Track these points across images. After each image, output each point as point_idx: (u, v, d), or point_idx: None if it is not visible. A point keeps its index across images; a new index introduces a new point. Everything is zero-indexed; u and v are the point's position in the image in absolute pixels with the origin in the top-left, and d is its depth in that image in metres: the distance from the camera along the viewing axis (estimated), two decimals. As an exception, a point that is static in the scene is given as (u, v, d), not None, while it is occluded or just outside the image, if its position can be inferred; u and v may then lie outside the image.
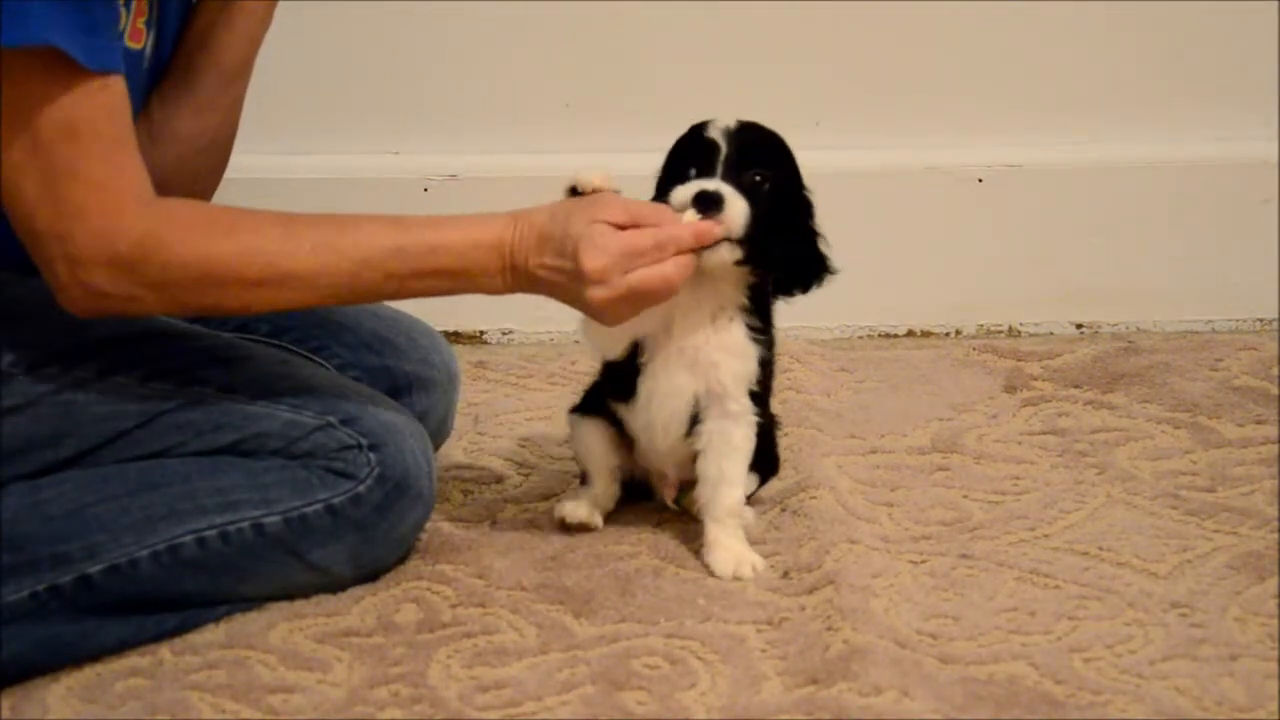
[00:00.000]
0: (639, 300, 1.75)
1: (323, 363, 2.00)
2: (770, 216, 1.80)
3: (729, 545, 1.87)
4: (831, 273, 1.86)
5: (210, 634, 1.76)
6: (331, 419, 1.80)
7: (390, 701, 1.64)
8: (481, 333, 2.63)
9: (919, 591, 1.83)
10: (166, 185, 1.95)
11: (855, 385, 2.43)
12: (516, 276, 1.77)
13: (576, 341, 2.60)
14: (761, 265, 1.81)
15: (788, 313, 2.65)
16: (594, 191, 1.80)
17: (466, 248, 1.78)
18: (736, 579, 1.85)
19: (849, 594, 1.80)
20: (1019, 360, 2.49)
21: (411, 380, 2.04)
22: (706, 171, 1.80)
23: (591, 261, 1.73)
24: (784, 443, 2.13)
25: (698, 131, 1.83)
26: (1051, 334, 2.64)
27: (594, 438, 1.96)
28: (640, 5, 2.56)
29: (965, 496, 2.06)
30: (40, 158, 1.63)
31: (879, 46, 2.60)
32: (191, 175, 1.96)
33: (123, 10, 1.74)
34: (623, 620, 1.78)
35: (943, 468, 2.14)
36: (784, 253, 1.82)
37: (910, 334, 2.65)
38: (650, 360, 1.86)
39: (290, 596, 1.81)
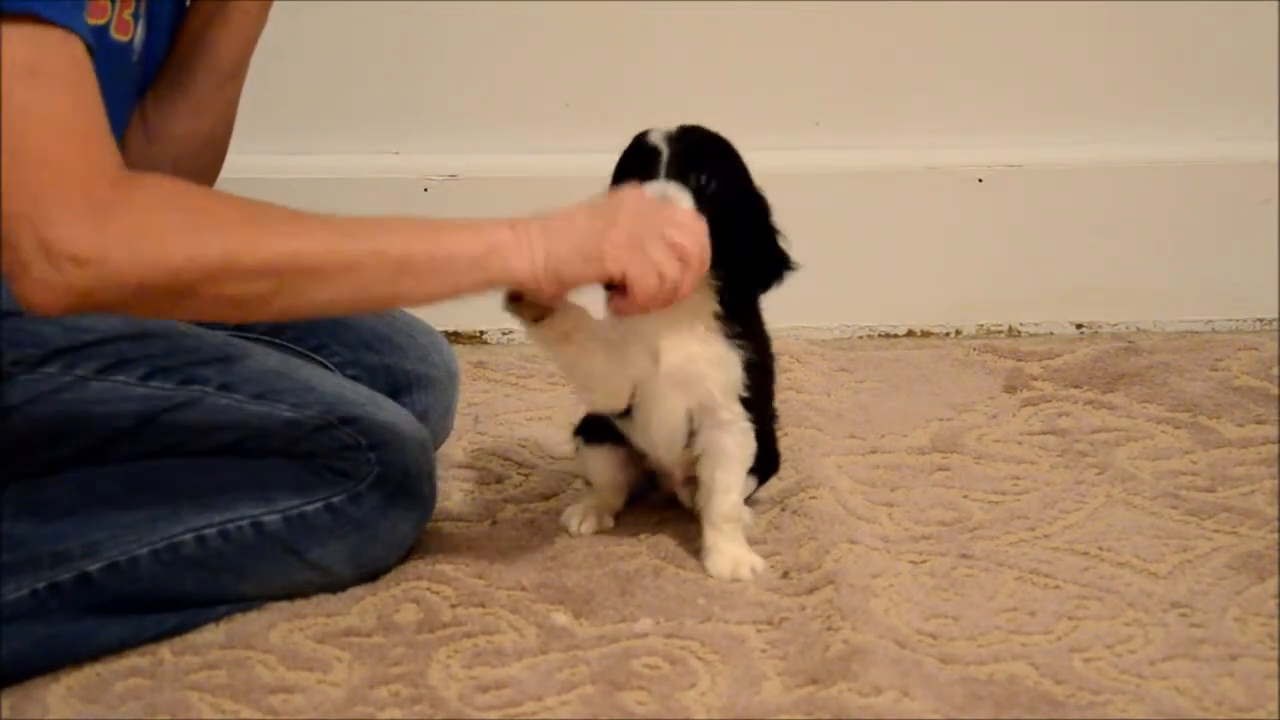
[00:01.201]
0: (645, 262, 1.72)
1: (323, 361, 2.00)
2: (719, 217, 1.78)
3: (725, 549, 1.87)
4: (790, 269, 1.85)
5: (210, 634, 1.76)
6: (332, 419, 1.81)
7: (390, 701, 1.64)
8: (481, 333, 2.63)
9: (919, 591, 1.83)
10: None
11: (855, 385, 2.43)
12: (533, 228, 1.72)
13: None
14: (714, 266, 1.79)
15: (788, 313, 2.66)
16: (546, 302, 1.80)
17: (478, 256, 1.72)
18: (735, 580, 1.85)
19: (849, 594, 1.80)
20: (1019, 360, 2.49)
21: (412, 379, 2.04)
22: (650, 177, 1.79)
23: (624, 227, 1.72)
24: (784, 443, 2.13)
25: (640, 140, 1.83)
26: (1051, 334, 2.64)
27: (601, 463, 1.97)
28: (640, 5, 2.56)
29: (965, 496, 2.06)
30: None
31: (879, 46, 2.60)
32: (187, 174, 1.96)
33: (108, 2, 1.74)
34: (623, 620, 1.78)
35: (943, 468, 2.14)
36: (737, 252, 1.81)
37: (910, 334, 2.65)
38: (642, 388, 1.86)
39: (290, 596, 1.81)
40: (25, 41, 1.54)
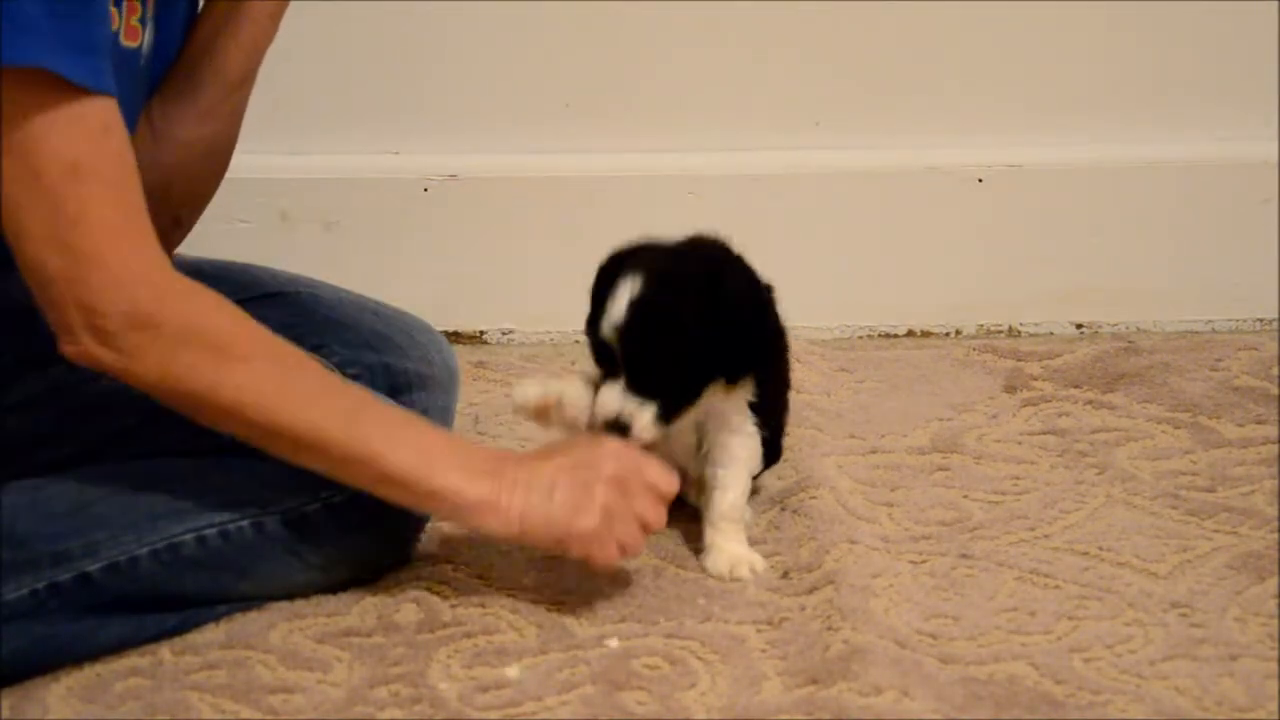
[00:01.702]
0: (609, 545, 1.76)
1: (323, 360, 2.00)
2: (684, 383, 1.79)
3: (724, 547, 1.87)
4: (763, 364, 1.87)
5: (210, 634, 1.76)
6: (333, 419, 1.81)
7: (390, 701, 1.64)
8: (481, 333, 2.63)
9: (919, 591, 1.83)
10: (168, 188, 1.97)
11: (855, 385, 2.43)
12: (516, 493, 1.73)
13: (576, 341, 2.60)
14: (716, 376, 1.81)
15: (788, 313, 2.66)
16: (536, 409, 1.83)
17: (471, 468, 1.75)
18: (734, 579, 1.85)
19: (849, 594, 1.80)
20: (1019, 360, 2.49)
21: (411, 378, 2.04)
22: (613, 372, 1.78)
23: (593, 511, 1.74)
24: (784, 443, 2.13)
25: (595, 317, 1.78)
26: (1051, 334, 2.64)
27: None
28: (640, 5, 2.56)
29: (965, 496, 2.06)
30: (45, 198, 1.58)
31: (879, 46, 2.59)
32: (192, 179, 1.97)
33: (114, 10, 1.74)
34: (623, 620, 1.78)
35: (943, 468, 2.14)
36: (723, 367, 1.82)
37: (910, 334, 2.65)
38: None
39: (290, 596, 1.81)
40: (64, 126, 1.57)
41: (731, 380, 1.84)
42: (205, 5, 1.93)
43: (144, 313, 1.61)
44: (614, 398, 1.78)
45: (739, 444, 1.88)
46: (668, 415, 1.79)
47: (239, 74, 1.91)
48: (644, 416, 1.78)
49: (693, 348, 1.78)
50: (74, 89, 1.57)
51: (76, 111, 1.58)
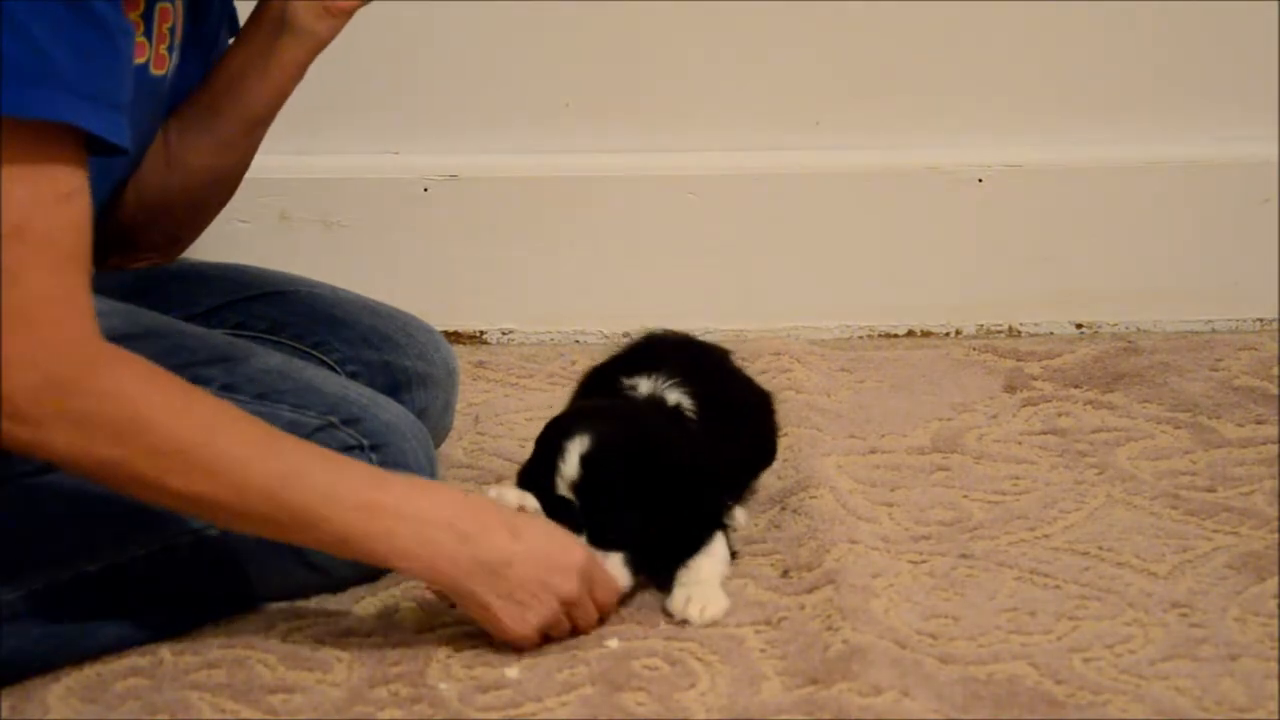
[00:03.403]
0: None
1: (323, 357, 2.00)
2: (647, 534, 1.76)
3: (688, 586, 1.81)
4: (725, 526, 1.84)
5: (210, 634, 1.76)
6: (333, 419, 1.81)
7: (390, 701, 1.64)
8: (481, 333, 2.63)
9: (919, 591, 1.83)
10: (171, 210, 1.99)
11: (855, 385, 2.43)
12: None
13: (577, 341, 2.60)
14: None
15: (788, 313, 2.67)
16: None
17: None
18: (683, 620, 1.78)
19: (849, 594, 1.80)
20: (1019, 360, 2.49)
21: (411, 376, 2.04)
22: (573, 528, 1.73)
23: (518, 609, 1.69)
24: (784, 443, 2.13)
25: (549, 478, 1.75)
26: (1051, 334, 2.64)
27: None
28: (640, 5, 2.56)
29: (965, 496, 2.06)
30: None
31: (879, 46, 2.59)
32: (197, 204, 2.00)
33: (143, 41, 1.76)
34: (623, 620, 1.78)
35: (943, 468, 2.14)
36: (675, 536, 1.79)
37: (910, 334, 2.65)
38: None
39: (290, 596, 1.81)
40: (28, 183, 1.52)
41: (690, 542, 1.81)
42: (236, 40, 1.95)
43: (59, 381, 1.53)
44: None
45: (704, 560, 1.82)
46: (636, 565, 1.76)
47: (262, 113, 1.94)
48: (613, 563, 1.74)
49: (651, 501, 1.75)
50: (53, 149, 1.53)
51: (47, 173, 1.53)
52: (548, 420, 1.83)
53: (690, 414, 1.86)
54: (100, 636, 1.71)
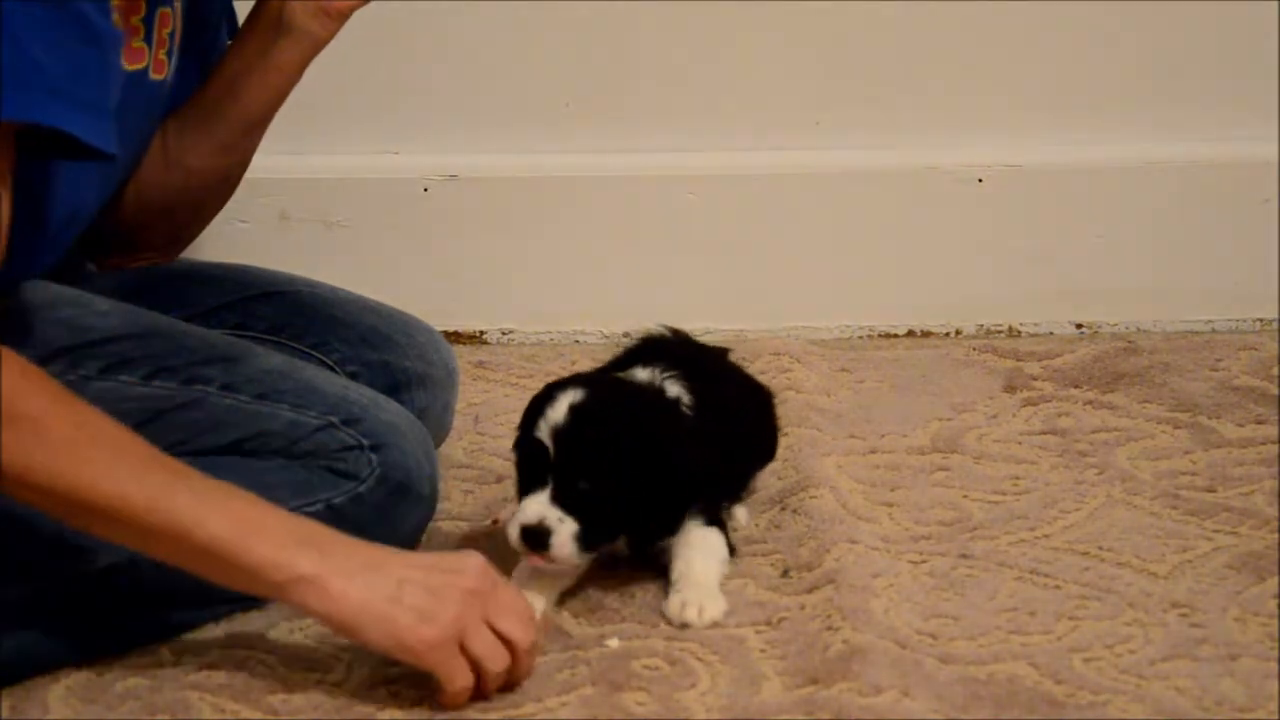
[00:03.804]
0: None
1: (322, 357, 2.00)
2: (615, 504, 1.72)
3: (683, 590, 1.79)
4: (720, 523, 1.82)
5: (210, 634, 1.76)
6: (334, 419, 1.81)
7: (390, 701, 1.64)
8: (481, 333, 2.63)
9: (919, 591, 1.83)
10: (171, 212, 2.00)
11: (855, 385, 2.43)
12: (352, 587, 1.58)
13: (577, 341, 2.60)
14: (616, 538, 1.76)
15: (788, 313, 2.67)
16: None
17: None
18: (681, 625, 1.77)
19: (849, 594, 1.80)
20: (1019, 360, 2.49)
21: (411, 375, 2.04)
22: (538, 482, 1.71)
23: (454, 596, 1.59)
24: (784, 443, 2.13)
25: (530, 425, 1.73)
26: (1051, 334, 2.64)
27: None
28: (640, 5, 2.56)
29: (965, 496, 2.06)
30: None
31: (879, 46, 2.59)
32: (197, 205, 2.01)
33: (144, 46, 1.76)
34: (623, 620, 1.78)
35: (943, 468, 2.14)
36: (639, 520, 1.76)
37: (910, 334, 2.65)
38: None
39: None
40: None
41: (658, 530, 1.78)
42: (234, 42, 1.95)
43: None
44: (538, 504, 1.70)
45: (700, 560, 1.80)
46: (589, 539, 1.71)
47: (260, 115, 1.94)
48: (564, 530, 1.70)
49: (630, 464, 1.72)
50: None
51: None
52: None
53: (688, 409, 1.85)
54: (100, 636, 1.71)
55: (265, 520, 1.58)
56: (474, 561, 1.63)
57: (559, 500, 1.72)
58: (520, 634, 1.62)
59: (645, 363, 1.89)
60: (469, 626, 1.59)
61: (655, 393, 1.84)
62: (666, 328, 2.04)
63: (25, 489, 1.54)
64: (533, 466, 1.73)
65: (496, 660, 1.60)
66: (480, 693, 1.61)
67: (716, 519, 1.84)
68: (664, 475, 1.75)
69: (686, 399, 1.85)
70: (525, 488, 1.74)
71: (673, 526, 1.79)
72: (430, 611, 1.58)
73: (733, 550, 1.85)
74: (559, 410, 1.72)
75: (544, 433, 1.72)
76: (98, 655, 1.71)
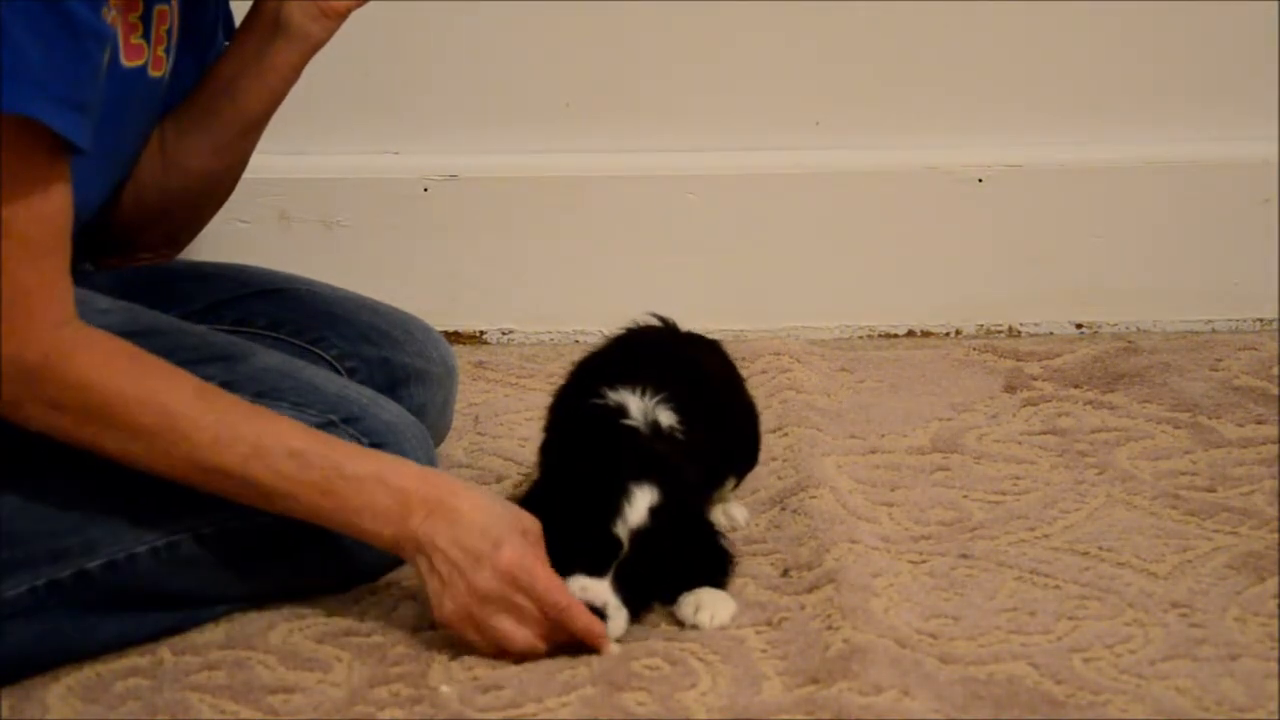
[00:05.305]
0: (486, 635, 1.68)
1: (321, 353, 2.00)
2: (661, 583, 1.76)
3: (696, 592, 1.80)
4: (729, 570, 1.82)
5: (210, 634, 1.76)
6: (334, 418, 1.81)
7: (390, 701, 1.64)
8: (481, 333, 2.63)
9: (919, 591, 1.83)
10: (169, 213, 2.00)
11: (855, 385, 2.43)
12: (404, 535, 1.68)
13: (577, 341, 2.60)
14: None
15: (788, 313, 2.67)
16: None
17: (369, 478, 1.68)
18: (694, 626, 1.77)
19: (849, 593, 1.80)
20: (1019, 360, 2.49)
21: (409, 372, 2.04)
22: (598, 566, 1.71)
23: (495, 567, 1.66)
24: (784, 443, 2.14)
25: (604, 518, 1.72)
26: (1051, 334, 2.64)
27: None
28: (640, 5, 2.56)
29: (965, 496, 2.06)
30: None
31: (879, 46, 2.59)
32: (195, 206, 2.01)
33: (143, 43, 1.76)
34: (623, 620, 1.78)
35: (943, 468, 2.14)
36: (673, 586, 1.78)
37: (910, 334, 2.65)
38: None
39: (290, 596, 1.81)
40: (8, 180, 1.55)
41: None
42: (231, 43, 1.95)
43: (29, 370, 1.59)
44: (602, 590, 1.71)
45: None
46: (635, 614, 1.74)
47: (258, 115, 1.95)
48: (621, 616, 1.72)
49: (684, 564, 1.76)
50: (33, 145, 1.56)
51: (23, 171, 1.56)
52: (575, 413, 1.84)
53: (680, 434, 1.83)
54: (100, 635, 1.71)
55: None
56: (506, 555, 1.66)
57: (621, 587, 1.72)
58: (518, 640, 1.67)
59: (634, 379, 1.86)
60: (469, 621, 1.67)
61: (681, 456, 1.82)
62: (656, 316, 2.03)
63: (157, 442, 1.65)
64: (596, 552, 1.72)
65: (500, 649, 1.67)
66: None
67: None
68: (697, 543, 1.78)
69: (677, 425, 1.83)
70: (578, 562, 1.72)
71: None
72: (438, 597, 1.68)
73: (732, 558, 1.84)
74: (638, 511, 1.72)
75: (621, 530, 1.71)
76: (97, 654, 1.71)
